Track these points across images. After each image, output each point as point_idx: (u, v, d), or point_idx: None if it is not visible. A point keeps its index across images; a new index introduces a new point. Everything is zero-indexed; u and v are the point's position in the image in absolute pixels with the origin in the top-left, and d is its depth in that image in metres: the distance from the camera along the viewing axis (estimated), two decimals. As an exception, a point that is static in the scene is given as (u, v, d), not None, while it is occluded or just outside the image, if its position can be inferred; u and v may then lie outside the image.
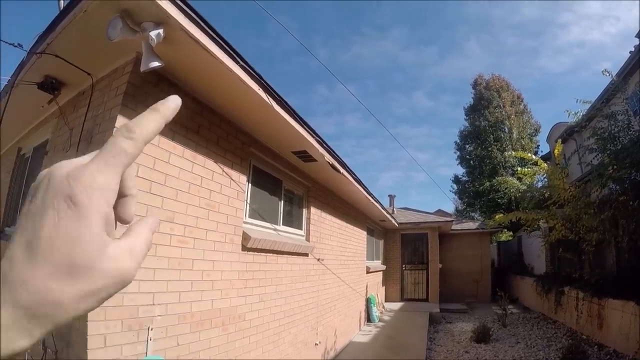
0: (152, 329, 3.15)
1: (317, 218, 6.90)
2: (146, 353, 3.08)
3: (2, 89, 4.80)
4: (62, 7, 4.24)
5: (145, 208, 3.11)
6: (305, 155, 5.38)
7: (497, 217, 12.30)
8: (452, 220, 16.56)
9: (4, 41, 3.66)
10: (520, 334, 9.73)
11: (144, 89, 3.15)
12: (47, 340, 2.98)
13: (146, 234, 0.40)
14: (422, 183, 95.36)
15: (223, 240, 4.05)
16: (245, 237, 4.37)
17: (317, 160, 5.56)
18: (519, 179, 12.31)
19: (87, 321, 2.63)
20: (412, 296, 15.47)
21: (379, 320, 11.74)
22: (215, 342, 3.93)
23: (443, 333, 10.45)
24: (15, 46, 3.71)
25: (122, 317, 2.89)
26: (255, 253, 4.69)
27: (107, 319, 2.77)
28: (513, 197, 14.87)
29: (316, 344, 6.84)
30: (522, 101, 27.89)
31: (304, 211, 6.60)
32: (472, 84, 29.58)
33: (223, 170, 4.05)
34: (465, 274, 16.65)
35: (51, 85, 3.95)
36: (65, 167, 0.36)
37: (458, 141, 29.29)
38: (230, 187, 4.18)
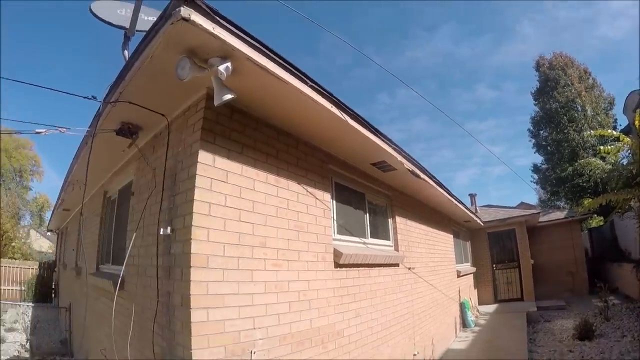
0: (254, 352, 3.19)
1: (403, 227, 6.76)
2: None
3: (82, 139, 5.17)
4: (127, 58, 4.52)
5: (237, 235, 3.19)
6: (384, 165, 5.30)
7: (585, 202, 11.31)
8: (539, 212, 15.63)
9: (78, 95, 3.90)
10: (625, 327, 8.99)
11: (219, 122, 3.25)
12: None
13: None
14: (499, 177, 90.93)
15: (315, 260, 4.07)
16: (337, 254, 4.35)
17: (396, 169, 5.46)
18: (602, 158, 11.31)
19: (191, 350, 2.71)
20: (505, 296, 14.69)
21: (475, 325, 11.24)
22: (317, 361, 3.91)
23: (542, 333, 9.89)
24: (90, 98, 3.90)
25: (225, 343, 2.96)
26: (348, 269, 4.66)
27: (210, 346, 2.84)
28: (599, 179, 13.75)
29: (414, 355, 6.64)
30: (589, 75, 25.90)
31: (390, 221, 6.49)
32: (535, 66, 27.92)
33: (307, 191, 4.08)
34: (559, 268, 15.48)
35: (129, 130, 4.16)
36: None
37: (531, 128, 27.66)
38: (316, 207, 4.19)
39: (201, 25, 2.33)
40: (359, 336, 4.75)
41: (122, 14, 4.49)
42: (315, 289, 4.01)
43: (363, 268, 5.03)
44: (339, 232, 4.76)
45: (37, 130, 4.13)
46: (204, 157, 3.04)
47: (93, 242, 7.19)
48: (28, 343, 11.09)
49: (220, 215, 3.07)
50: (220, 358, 2.89)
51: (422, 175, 6.10)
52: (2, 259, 20.80)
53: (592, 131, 15.15)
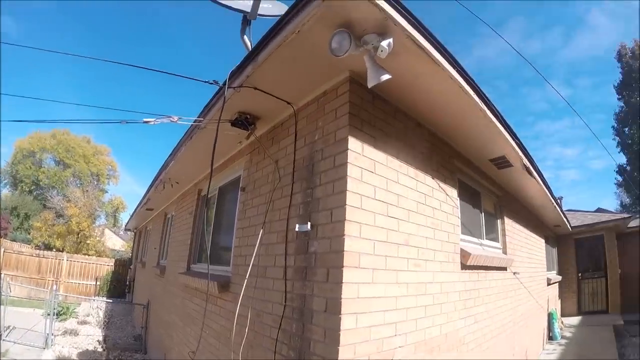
0: (393, 362, 2.95)
1: (510, 229, 6.33)
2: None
3: (185, 134, 5.01)
4: (248, 44, 4.35)
5: (385, 232, 2.96)
6: (502, 162, 4.91)
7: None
8: (630, 217, 14.38)
9: (199, 80, 3.71)
10: None
11: (364, 108, 3.01)
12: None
13: None
14: (574, 182, 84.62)
15: (447, 260, 3.78)
16: (464, 254, 4.06)
17: (512, 166, 5.05)
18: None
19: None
20: (589, 308, 13.61)
21: (561, 337, 10.54)
22: (441, 370, 3.61)
23: (631, 348, 9.21)
24: (211, 83, 3.69)
25: (369, 352, 2.72)
26: (472, 271, 4.34)
27: (356, 356, 2.60)
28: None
29: (512, 366, 6.20)
30: None
31: (498, 222, 6.08)
32: (616, 56, 26.14)
33: (439, 186, 3.80)
34: None
35: (246, 121, 3.94)
36: None
37: (615, 125, 25.77)
38: (447, 203, 3.90)
39: (366, -7, 2.09)
40: (475, 344, 4.42)
41: (238, 1, 4.33)
42: (446, 291, 3.73)
43: (482, 271, 4.69)
44: (463, 232, 4.44)
45: (146, 120, 4.01)
46: (353, 144, 2.81)
47: (183, 241, 7.18)
48: (103, 338, 11.41)
49: (371, 209, 2.84)
50: (362, 369, 2.65)
51: (534, 173, 5.65)
52: (79, 255, 21.98)
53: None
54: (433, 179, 3.70)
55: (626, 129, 24.79)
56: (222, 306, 4.35)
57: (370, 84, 2.50)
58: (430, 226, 3.54)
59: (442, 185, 3.87)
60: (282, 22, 2.54)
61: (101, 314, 14.60)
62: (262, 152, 4.12)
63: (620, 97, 25.47)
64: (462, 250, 4.07)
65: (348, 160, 2.73)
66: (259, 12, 4.30)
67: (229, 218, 5.02)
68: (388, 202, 3.02)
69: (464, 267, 4.12)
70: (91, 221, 30.26)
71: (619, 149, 25.64)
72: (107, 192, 43.98)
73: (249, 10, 4.24)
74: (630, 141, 24.31)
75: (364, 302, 2.69)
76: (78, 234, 26.72)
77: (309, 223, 2.94)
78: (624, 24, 54.38)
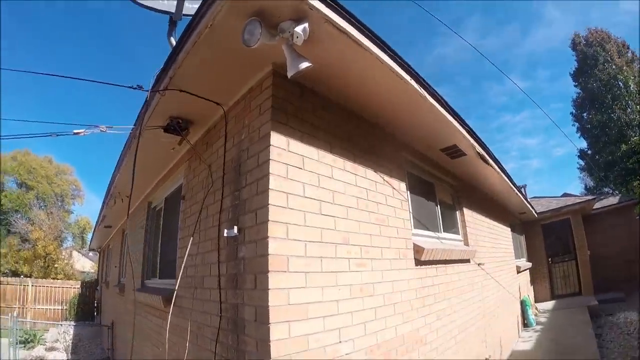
0: (342, 371, 2.70)
1: (471, 219, 6.20)
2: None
3: (125, 145, 4.73)
4: (174, 45, 4.07)
5: (319, 231, 2.72)
6: (454, 151, 4.76)
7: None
8: (595, 198, 14.62)
9: (122, 85, 3.44)
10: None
11: (289, 101, 2.80)
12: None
13: None
14: (538, 170, 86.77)
15: (397, 257, 3.56)
16: (418, 249, 3.85)
17: (466, 154, 4.91)
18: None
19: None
20: (563, 292, 13.71)
21: (536, 323, 10.51)
22: (403, 374, 3.38)
23: (607, 327, 9.25)
24: (135, 88, 3.44)
25: None
26: (428, 266, 4.14)
27: None
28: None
29: (487, 358, 6.05)
30: (628, 48, 24.49)
31: (457, 213, 5.94)
32: (571, 45, 27.06)
33: (384, 179, 3.59)
34: (615, 257, 14.28)
35: (178, 126, 3.69)
36: None
37: (573, 111, 26.48)
38: (394, 197, 3.70)
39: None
40: (440, 342, 4.23)
41: (164, 2, 4.09)
42: (398, 290, 3.51)
43: (441, 265, 4.50)
44: (416, 226, 4.25)
45: (76, 131, 3.72)
46: (276, 139, 2.58)
47: (137, 257, 6.86)
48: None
49: (299, 208, 2.60)
50: (303, 381, 2.40)
51: (490, 161, 5.52)
52: (44, 280, 21.08)
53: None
54: (376, 172, 3.49)
55: (584, 114, 25.44)
56: (172, 322, 4.07)
57: (290, 74, 2.30)
58: (375, 222, 3.32)
59: (387, 178, 3.66)
60: (196, 18, 2.37)
61: (69, 338, 14.02)
62: (198, 157, 3.87)
63: (576, 84, 26.15)
64: (415, 245, 3.87)
65: (270, 157, 2.51)
66: (185, 12, 4.07)
67: (174, 230, 4.75)
68: (321, 200, 2.78)
69: (419, 262, 3.92)
70: (58, 244, 29.32)
71: (579, 135, 26.31)
72: (72, 212, 42.30)
73: (173, 10, 4.00)
74: (589, 125, 24.85)
75: (297, 309, 2.45)
76: (45, 258, 25.67)
77: (235, 227, 2.71)
78: (577, 16, 56.44)
